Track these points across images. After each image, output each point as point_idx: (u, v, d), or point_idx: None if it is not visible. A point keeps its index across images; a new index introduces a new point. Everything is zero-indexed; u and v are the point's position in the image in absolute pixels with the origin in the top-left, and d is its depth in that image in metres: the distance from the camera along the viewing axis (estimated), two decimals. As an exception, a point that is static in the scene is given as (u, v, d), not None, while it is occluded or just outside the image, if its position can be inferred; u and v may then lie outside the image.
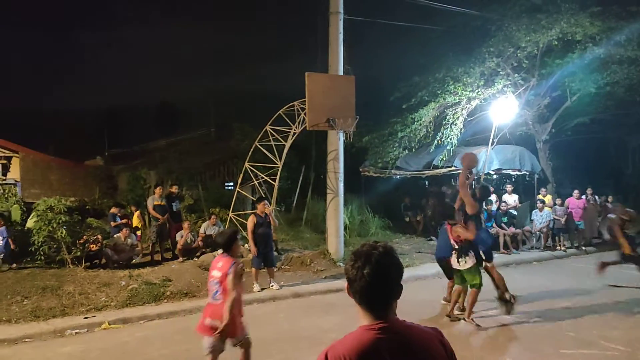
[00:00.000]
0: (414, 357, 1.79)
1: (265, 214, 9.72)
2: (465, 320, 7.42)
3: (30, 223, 11.16)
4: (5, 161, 16.49)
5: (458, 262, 7.39)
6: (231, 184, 18.83)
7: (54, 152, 23.54)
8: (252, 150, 12.06)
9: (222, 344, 4.82)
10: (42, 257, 10.39)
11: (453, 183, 16.21)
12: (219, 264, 4.89)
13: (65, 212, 10.59)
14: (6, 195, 14.00)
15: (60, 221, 10.35)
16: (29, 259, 10.53)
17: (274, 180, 11.75)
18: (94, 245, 10.78)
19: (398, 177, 16.67)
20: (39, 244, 10.27)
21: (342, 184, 12.01)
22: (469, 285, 7.47)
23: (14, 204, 13.06)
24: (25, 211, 12.57)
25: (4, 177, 16.19)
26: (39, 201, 10.95)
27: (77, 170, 20.35)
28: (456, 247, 7.39)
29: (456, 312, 7.70)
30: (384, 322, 1.81)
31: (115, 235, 11.26)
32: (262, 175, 11.95)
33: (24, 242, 10.71)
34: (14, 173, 16.51)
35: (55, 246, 10.51)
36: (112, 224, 11.96)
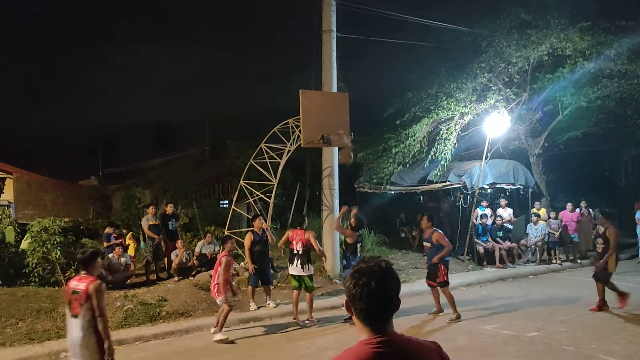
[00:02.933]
0: None
1: (263, 230, 9.70)
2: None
3: (24, 244, 11.07)
4: (-1, 182, 16.43)
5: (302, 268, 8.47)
6: (226, 202, 18.78)
7: (48, 172, 23.48)
8: (247, 168, 12.07)
9: None
10: (37, 279, 10.29)
11: (449, 198, 16.27)
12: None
13: (60, 232, 10.51)
14: (0, 217, 13.89)
15: (55, 242, 10.27)
16: (23, 281, 10.42)
17: (269, 197, 11.74)
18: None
19: (393, 192, 16.69)
20: (33, 265, 10.17)
21: (338, 200, 12.01)
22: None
23: (8, 225, 12.96)
24: (19, 232, 12.46)
25: (-2, 198, 16.11)
26: (33, 222, 10.88)
27: (72, 191, 20.26)
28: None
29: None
30: (383, 336, 1.82)
31: (109, 255, 11.19)
32: (257, 193, 11.95)
33: (18, 264, 10.60)
34: (8, 194, 16.43)
35: (49, 267, 10.41)
36: (105, 244, 11.89)
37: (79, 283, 4.57)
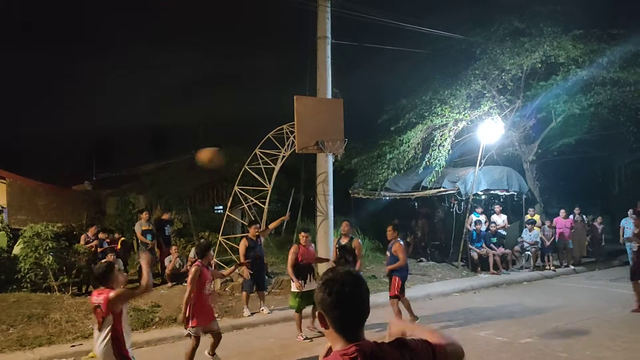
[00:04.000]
0: None
1: (258, 236, 9.68)
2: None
3: (16, 250, 11.00)
4: (-9, 187, 16.29)
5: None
6: (220, 207, 18.73)
7: (41, 177, 23.30)
8: (241, 173, 12.06)
9: None
10: (29, 284, 10.22)
11: (443, 204, 16.31)
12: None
13: (52, 238, 10.46)
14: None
15: (47, 248, 10.22)
16: (15, 287, 10.35)
17: (264, 203, 11.72)
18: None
19: (387, 198, 16.71)
20: (26, 271, 10.11)
21: (332, 206, 12.01)
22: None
23: (0, 230, 12.87)
24: (11, 238, 12.38)
25: (-10, 204, 15.98)
26: (25, 227, 10.81)
27: (65, 196, 20.12)
28: None
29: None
30: (357, 345, 1.83)
31: (102, 261, 11.11)
32: (252, 199, 11.93)
33: (10, 269, 10.53)
34: (1, 199, 16.30)
35: (42, 273, 10.34)
36: (99, 249, 11.82)
37: (99, 297, 4.62)
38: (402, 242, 8.75)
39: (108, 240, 12.08)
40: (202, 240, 10.94)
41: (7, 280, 10.53)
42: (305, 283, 8.01)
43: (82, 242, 11.51)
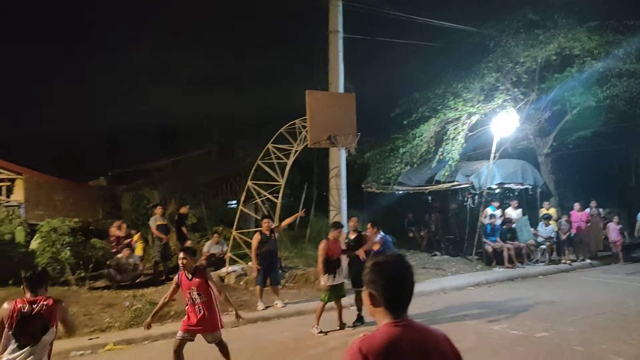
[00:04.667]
0: (433, 351, 2.03)
1: (271, 230, 9.71)
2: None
3: (34, 244, 11.16)
4: (9, 183, 16.53)
5: None
6: (234, 202, 18.83)
7: (57, 173, 23.60)
8: (254, 168, 12.10)
9: None
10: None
11: (457, 198, 16.23)
12: None
13: (69, 233, 10.62)
14: (10, 217, 14.01)
15: (64, 242, 10.37)
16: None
17: (277, 197, 11.76)
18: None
19: (400, 192, 16.67)
20: (43, 265, 10.25)
21: (345, 201, 12.01)
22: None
23: (18, 225, 13.07)
24: (29, 232, 12.57)
25: (8, 199, 16.22)
26: (42, 222, 10.96)
27: (81, 191, 20.36)
28: None
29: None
30: (404, 320, 2.05)
31: (118, 255, 11.26)
32: (265, 193, 11.97)
33: (28, 264, 10.69)
34: (18, 195, 16.52)
35: (59, 267, 10.49)
36: (115, 244, 11.99)
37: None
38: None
39: (123, 235, 12.23)
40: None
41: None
42: (334, 277, 8.05)
43: (113, 231, 12.06)
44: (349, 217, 12.17)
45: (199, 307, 5.79)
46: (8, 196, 16.41)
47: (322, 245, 8.15)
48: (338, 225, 8.53)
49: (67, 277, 10.44)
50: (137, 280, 11.06)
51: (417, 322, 2.10)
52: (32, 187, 16.80)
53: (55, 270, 10.47)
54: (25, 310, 4.00)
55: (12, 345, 3.98)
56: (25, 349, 3.97)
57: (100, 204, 18.29)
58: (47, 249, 10.29)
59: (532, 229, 14.10)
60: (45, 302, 4.09)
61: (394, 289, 2.07)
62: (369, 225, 9.16)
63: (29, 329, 3.99)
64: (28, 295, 4.13)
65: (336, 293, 8.05)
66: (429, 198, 17.24)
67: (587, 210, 14.66)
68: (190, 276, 5.84)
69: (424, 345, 2.01)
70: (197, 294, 5.78)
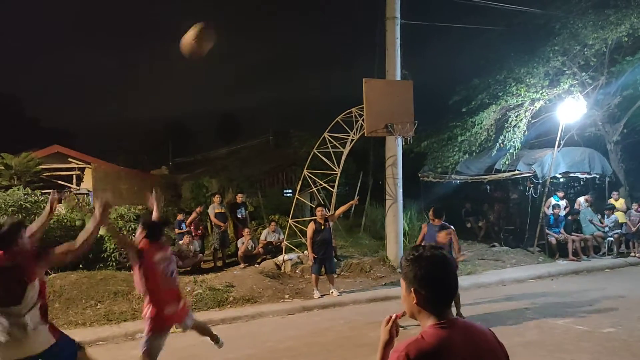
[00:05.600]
0: (487, 353, 1.95)
1: (326, 219, 9.74)
2: None
3: (102, 231, 11.71)
4: (79, 172, 17.44)
5: None
6: (290, 191, 19.06)
7: (123, 162, 24.70)
8: (310, 157, 12.17)
9: None
10: (114, 263, 10.90)
11: (518, 187, 15.71)
12: None
13: (135, 219, 11.08)
14: (80, 205, 14.79)
15: (130, 228, 10.83)
16: (101, 265, 11.07)
17: (332, 186, 11.79)
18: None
19: (458, 182, 16.31)
20: (111, 250, 10.79)
21: (401, 190, 11.89)
22: None
23: (88, 212, 13.77)
24: (97, 219, 13.20)
25: (78, 187, 17.12)
26: (110, 209, 11.48)
27: (144, 180, 21.22)
28: None
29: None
30: (447, 321, 1.94)
31: (179, 242, 11.66)
32: (321, 182, 12.03)
33: (97, 249, 11.26)
34: (87, 183, 17.42)
35: (125, 252, 10.98)
36: (177, 231, 12.42)
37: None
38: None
39: (186, 221, 12.66)
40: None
41: (94, 259, 11.26)
42: None
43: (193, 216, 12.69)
44: (404, 207, 12.03)
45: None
46: (78, 184, 17.32)
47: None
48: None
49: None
50: (199, 265, 11.45)
51: (460, 319, 2.01)
52: (100, 176, 17.66)
53: (122, 255, 10.98)
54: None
55: None
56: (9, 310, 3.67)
57: (162, 192, 19.00)
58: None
59: (598, 220, 13.46)
60: (21, 255, 3.82)
61: (443, 287, 1.96)
62: (430, 212, 8.59)
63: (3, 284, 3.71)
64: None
65: None
66: (488, 187, 16.78)
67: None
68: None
69: (478, 348, 1.91)
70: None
